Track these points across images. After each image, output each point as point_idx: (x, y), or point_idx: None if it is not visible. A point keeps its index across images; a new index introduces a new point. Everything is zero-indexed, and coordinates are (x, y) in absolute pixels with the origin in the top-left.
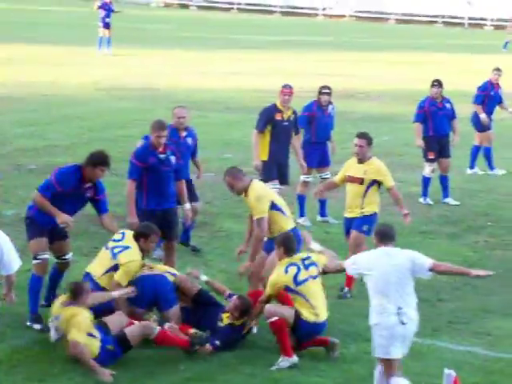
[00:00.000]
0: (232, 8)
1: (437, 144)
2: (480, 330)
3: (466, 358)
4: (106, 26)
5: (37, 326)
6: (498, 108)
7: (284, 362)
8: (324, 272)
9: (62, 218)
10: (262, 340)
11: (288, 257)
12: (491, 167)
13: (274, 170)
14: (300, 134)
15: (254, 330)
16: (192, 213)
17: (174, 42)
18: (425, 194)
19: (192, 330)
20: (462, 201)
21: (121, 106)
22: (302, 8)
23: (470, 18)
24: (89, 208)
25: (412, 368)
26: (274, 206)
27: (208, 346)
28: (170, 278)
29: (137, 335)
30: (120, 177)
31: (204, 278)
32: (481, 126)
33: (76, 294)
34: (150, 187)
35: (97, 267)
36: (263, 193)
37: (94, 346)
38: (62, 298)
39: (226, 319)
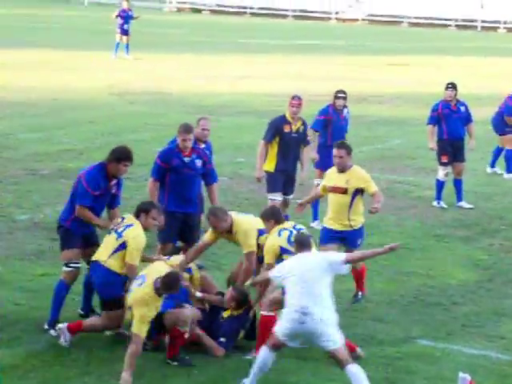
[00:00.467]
0: (245, 12)
1: (451, 147)
2: (494, 333)
3: (480, 362)
4: (124, 32)
5: (53, 332)
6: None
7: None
8: (252, 285)
9: (104, 224)
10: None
11: (278, 225)
12: (509, 170)
13: (279, 183)
14: (308, 147)
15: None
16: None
17: (187, 47)
18: (438, 198)
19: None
20: (477, 204)
21: (133, 110)
22: (314, 12)
23: (483, 21)
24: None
25: (426, 372)
26: (260, 232)
27: (220, 350)
28: (185, 276)
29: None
30: (134, 181)
31: (198, 294)
32: (501, 129)
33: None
34: (171, 189)
35: (102, 252)
36: (249, 226)
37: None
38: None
39: (225, 315)
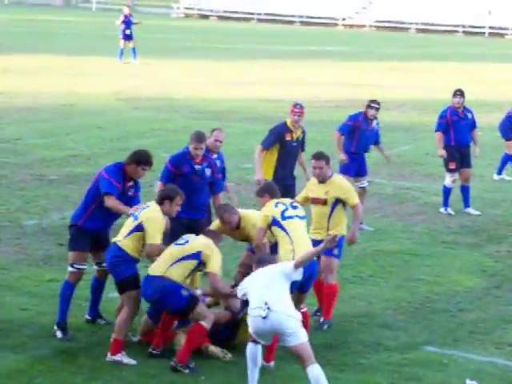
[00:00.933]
0: (252, 18)
1: (458, 154)
2: (501, 340)
3: (487, 369)
4: (127, 37)
5: (59, 334)
6: None
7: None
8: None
9: (131, 210)
10: (279, 351)
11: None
12: None
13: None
14: (304, 152)
15: None
16: None
17: (194, 52)
18: (446, 204)
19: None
20: (484, 210)
21: (140, 115)
22: (321, 18)
23: (490, 27)
24: None
25: (433, 379)
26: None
27: (226, 355)
28: None
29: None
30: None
31: (198, 292)
32: (508, 135)
33: None
34: None
35: (119, 234)
36: (256, 219)
37: None
38: None
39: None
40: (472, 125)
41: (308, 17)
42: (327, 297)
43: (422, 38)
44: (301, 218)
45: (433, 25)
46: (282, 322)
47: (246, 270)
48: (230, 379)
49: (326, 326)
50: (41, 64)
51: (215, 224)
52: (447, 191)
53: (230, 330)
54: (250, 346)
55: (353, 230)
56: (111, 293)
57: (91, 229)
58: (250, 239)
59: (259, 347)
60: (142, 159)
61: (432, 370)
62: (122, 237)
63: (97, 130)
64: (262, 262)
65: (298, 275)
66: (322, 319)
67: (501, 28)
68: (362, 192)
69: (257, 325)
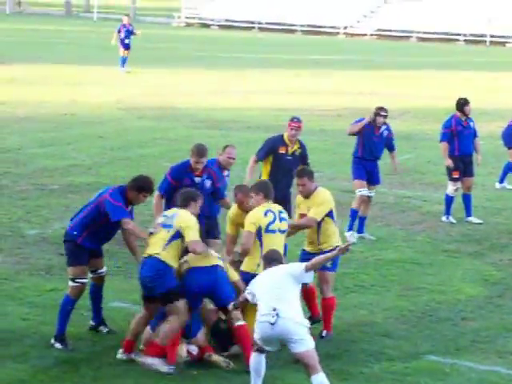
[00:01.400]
0: (253, 27)
1: (462, 163)
2: (503, 349)
3: (489, 378)
4: (125, 46)
5: (58, 345)
6: None
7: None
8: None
9: (145, 233)
10: (279, 360)
11: (267, 202)
12: None
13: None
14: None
15: None
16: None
17: (195, 61)
18: (448, 213)
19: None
20: (486, 219)
21: (141, 124)
22: (323, 27)
23: (491, 36)
24: None
25: None
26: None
27: (228, 365)
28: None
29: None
30: None
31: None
32: (510, 142)
33: None
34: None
35: (154, 247)
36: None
37: None
38: None
39: None
40: (474, 134)
41: (309, 26)
42: (326, 310)
43: (422, 46)
44: (282, 232)
45: (434, 33)
46: (290, 329)
47: (237, 267)
48: None
49: (328, 337)
50: (42, 74)
51: (228, 226)
52: (449, 200)
53: (229, 337)
54: (253, 356)
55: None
56: (113, 302)
57: (90, 248)
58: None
59: (263, 357)
60: (144, 186)
61: (434, 379)
62: (159, 249)
63: (98, 140)
64: (271, 261)
65: (309, 278)
66: (324, 332)
67: (502, 36)
68: (367, 200)
69: (264, 331)
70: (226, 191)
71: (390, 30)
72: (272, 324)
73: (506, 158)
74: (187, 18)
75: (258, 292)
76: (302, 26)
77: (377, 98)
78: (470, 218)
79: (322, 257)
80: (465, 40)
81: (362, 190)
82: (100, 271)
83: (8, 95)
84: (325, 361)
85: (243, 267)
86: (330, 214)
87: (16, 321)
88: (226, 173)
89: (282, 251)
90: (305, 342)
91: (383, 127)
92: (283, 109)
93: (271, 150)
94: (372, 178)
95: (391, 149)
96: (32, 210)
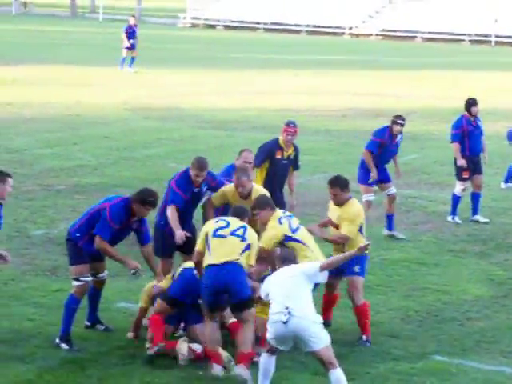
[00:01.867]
0: (258, 28)
1: (471, 163)
2: (509, 349)
3: (495, 378)
4: (130, 47)
5: (64, 346)
6: None
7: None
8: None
9: (123, 260)
10: (286, 360)
11: (273, 211)
12: None
13: None
14: (295, 172)
15: None
16: None
17: (200, 62)
18: (454, 213)
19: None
20: (491, 219)
21: (147, 125)
22: (328, 27)
23: (496, 36)
24: None
25: None
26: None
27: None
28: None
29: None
30: None
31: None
32: None
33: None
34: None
35: (231, 253)
36: (267, 194)
37: None
38: None
39: None
40: (482, 133)
41: (314, 26)
42: (361, 317)
43: (428, 46)
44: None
45: (439, 33)
46: (303, 328)
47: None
48: None
49: (368, 344)
50: (48, 75)
51: (216, 195)
52: (456, 200)
53: None
54: (264, 357)
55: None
56: (119, 303)
57: (91, 251)
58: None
59: (273, 359)
60: (147, 200)
61: (440, 380)
62: (237, 255)
63: (104, 140)
64: (285, 261)
65: (323, 278)
66: (364, 337)
67: (507, 36)
68: (392, 198)
69: (277, 330)
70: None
71: (395, 31)
72: (284, 323)
73: (511, 158)
74: (192, 18)
75: (271, 290)
76: (307, 26)
77: (382, 98)
78: (476, 217)
79: (339, 256)
80: (470, 40)
81: (368, 196)
82: (101, 275)
83: (14, 96)
84: None
85: None
86: (359, 229)
87: (22, 321)
88: None
89: (313, 241)
90: (318, 341)
91: (399, 136)
92: (289, 109)
93: (268, 155)
94: (384, 178)
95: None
96: (38, 211)
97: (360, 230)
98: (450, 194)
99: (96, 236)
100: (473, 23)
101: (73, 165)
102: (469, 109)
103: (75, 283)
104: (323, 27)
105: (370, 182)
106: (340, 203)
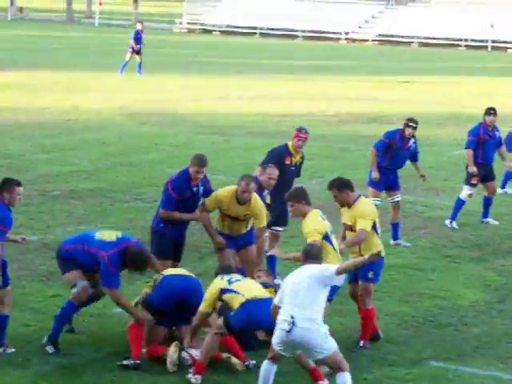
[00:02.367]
0: (255, 33)
1: (482, 170)
2: (506, 354)
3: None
4: (137, 51)
5: (50, 349)
6: None
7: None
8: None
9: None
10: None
11: (309, 207)
12: None
13: (275, 214)
14: (297, 178)
15: None
16: None
17: (197, 67)
18: (453, 218)
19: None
20: (488, 224)
21: (143, 130)
22: (324, 32)
23: (493, 41)
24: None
25: None
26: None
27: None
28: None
29: None
30: (144, 202)
31: None
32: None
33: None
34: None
35: (260, 290)
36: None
37: None
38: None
39: None
40: (499, 143)
41: (311, 31)
42: (366, 320)
43: (424, 51)
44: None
45: (435, 39)
46: (306, 340)
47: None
48: None
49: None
50: (44, 80)
51: (210, 199)
52: (460, 204)
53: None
54: (265, 364)
55: (341, 248)
56: (115, 308)
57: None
58: (244, 218)
59: (275, 368)
60: (138, 264)
61: None
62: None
63: (100, 146)
64: (308, 257)
65: (340, 281)
66: (361, 343)
67: (504, 42)
68: (396, 206)
69: (281, 337)
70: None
71: (392, 36)
72: (288, 331)
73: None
74: (189, 23)
75: (285, 290)
76: (303, 31)
77: (378, 103)
78: (487, 219)
79: (355, 260)
80: (466, 45)
81: (375, 200)
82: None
83: (10, 101)
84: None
85: None
86: (373, 226)
87: (18, 327)
88: (265, 192)
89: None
90: (323, 351)
91: (411, 141)
92: (285, 114)
93: (278, 161)
94: (393, 186)
95: (416, 160)
96: (34, 216)
97: (374, 229)
98: (446, 199)
99: (108, 289)
100: (469, 29)
101: (69, 170)
102: (484, 118)
103: (73, 289)
104: (320, 32)
105: (374, 181)
106: (347, 204)
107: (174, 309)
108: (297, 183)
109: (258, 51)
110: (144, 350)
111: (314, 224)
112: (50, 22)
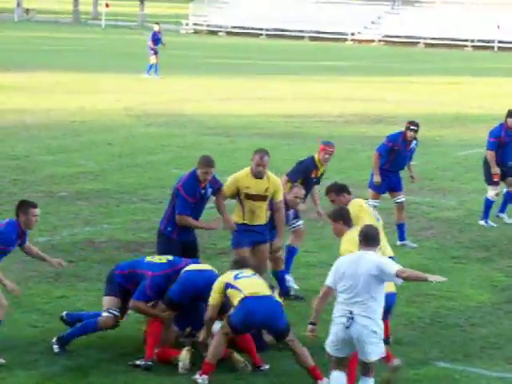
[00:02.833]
0: (261, 34)
1: (500, 169)
2: None
3: None
4: (154, 53)
5: (57, 348)
6: None
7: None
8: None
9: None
10: (288, 365)
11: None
12: None
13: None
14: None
15: None
16: None
17: (203, 68)
18: (486, 217)
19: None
20: (500, 220)
21: (150, 131)
22: (330, 33)
23: (499, 42)
24: (119, 235)
25: None
26: None
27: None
28: None
29: None
30: (151, 203)
31: None
32: None
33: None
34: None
35: (264, 287)
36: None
37: None
38: None
39: None
40: None
41: (317, 32)
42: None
43: (430, 52)
44: None
45: (441, 39)
46: (364, 339)
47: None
48: None
49: None
50: (50, 81)
51: (227, 184)
52: (490, 204)
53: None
54: (334, 374)
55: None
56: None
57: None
58: (265, 194)
59: (344, 375)
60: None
61: None
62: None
63: (106, 147)
64: (368, 240)
65: (397, 281)
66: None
67: (510, 42)
68: (400, 207)
69: (338, 332)
70: None
71: (398, 36)
72: (346, 328)
73: None
74: (195, 24)
75: (339, 284)
76: (309, 32)
77: (384, 103)
78: (502, 215)
79: (419, 275)
80: (473, 46)
81: (374, 202)
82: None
83: (16, 103)
84: None
85: None
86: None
87: (25, 328)
88: (290, 211)
89: None
90: (372, 354)
91: (413, 142)
92: (291, 115)
93: (304, 174)
94: (395, 187)
95: (410, 159)
96: (41, 218)
97: None
98: (453, 200)
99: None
100: (475, 29)
101: (75, 171)
102: (506, 119)
103: (105, 314)
104: (325, 33)
105: (375, 185)
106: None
107: (191, 303)
108: None
109: (264, 52)
110: (156, 351)
111: (348, 246)
112: (56, 24)
